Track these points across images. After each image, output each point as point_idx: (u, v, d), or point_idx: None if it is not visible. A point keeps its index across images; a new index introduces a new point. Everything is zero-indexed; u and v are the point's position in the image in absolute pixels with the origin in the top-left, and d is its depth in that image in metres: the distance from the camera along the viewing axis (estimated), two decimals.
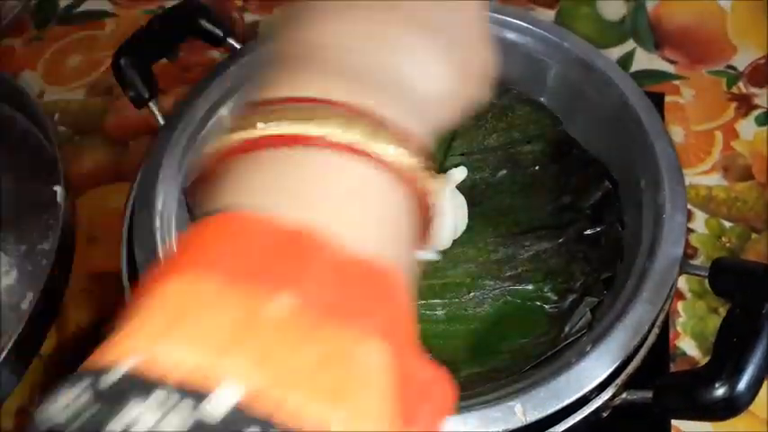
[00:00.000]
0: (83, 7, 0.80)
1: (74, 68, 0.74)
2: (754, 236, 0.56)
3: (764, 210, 0.57)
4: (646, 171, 0.41)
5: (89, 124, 0.69)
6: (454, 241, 0.45)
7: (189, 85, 0.69)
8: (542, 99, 0.49)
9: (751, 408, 0.46)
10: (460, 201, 0.43)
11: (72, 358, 0.52)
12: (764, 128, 0.62)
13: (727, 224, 0.57)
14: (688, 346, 0.51)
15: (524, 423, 0.32)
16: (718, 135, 0.62)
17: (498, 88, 0.50)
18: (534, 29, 0.49)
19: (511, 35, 0.49)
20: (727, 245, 0.56)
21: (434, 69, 0.23)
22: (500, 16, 0.49)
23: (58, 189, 0.45)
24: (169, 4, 0.77)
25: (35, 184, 0.49)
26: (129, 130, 0.68)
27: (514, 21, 0.49)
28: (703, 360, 0.50)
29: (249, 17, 0.77)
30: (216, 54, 0.73)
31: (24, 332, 0.39)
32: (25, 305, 0.44)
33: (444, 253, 0.44)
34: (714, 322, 0.52)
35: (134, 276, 0.40)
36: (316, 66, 0.21)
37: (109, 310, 0.55)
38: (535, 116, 0.48)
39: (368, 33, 0.22)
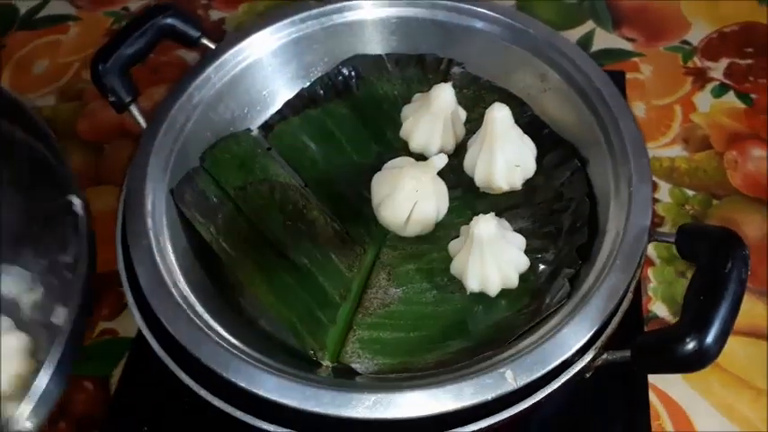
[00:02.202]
0: (44, 12, 0.79)
1: (41, 75, 0.74)
2: (714, 202, 0.59)
3: (723, 177, 0.61)
4: (612, 147, 0.44)
5: (63, 130, 0.69)
6: (437, 224, 0.47)
7: (162, 85, 0.70)
8: (510, 84, 0.51)
9: (723, 364, 0.49)
10: (442, 186, 0.45)
11: None
12: (720, 99, 0.65)
13: (690, 192, 0.60)
14: (659, 309, 0.54)
15: (515, 387, 0.35)
16: (677, 108, 0.65)
17: (467, 77, 0.52)
18: (498, 16, 0.51)
19: (476, 23, 0.51)
20: (691, 212, 0.59)
21: None
22: (464, 5, 0.51)
23: (75, 199, 0.44)
24: (133, 5, 0.79)
25: (43, 196, 0.48)
26: (103, 133, 0.68)
27: (479, 9, 0.51)
28: (674, 321, 0.53)
29: (215, 14, 0.77)
30: (183, 52, 0.73)
31: (66, 347, 0.39)
32: (57, 319, 0.43)
33: (428, 237, 0.46)
34: (682, 285, 0.55)
35: (133, 278, 0.41)
36: None
37: (99, 312, 0.56)
38: (504, 102, 0.49)
39: None
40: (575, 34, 0.71)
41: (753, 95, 0.65)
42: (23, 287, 0.46)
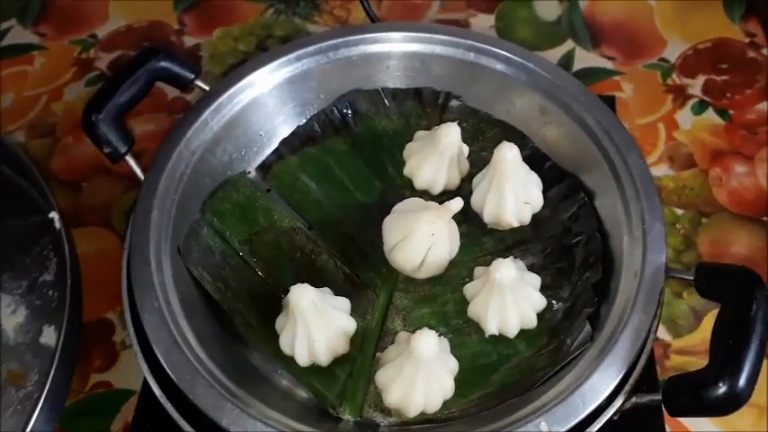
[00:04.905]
0: (5, 42, 0.76)
1: (7, 109, 0.70)
2: (704, 220, 0.61)
3: (709, 195, 0.62)
4: (620, 183, 0.44)
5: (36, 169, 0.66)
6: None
7: (141, 116, 0.68)
8: (509, 117, 0.51)
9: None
10: (454, 227, 0.45)
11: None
12: (700, 116, 0.67)
13: (679, 211, 0.61)
14: (659, 330, 0.55)
15: None
16: (661, 127, 0.66)
17: (465, 110, 0.52)
18: (496, 50, 0.51)
19: (474, 57, 0.51)
20: (682, 231, 0.60)
21: None
22: (461, 39, 0.51)
23: (54, 215, 0.44)
24: (101, 33, 0.76)
25: (14, 219, 0.47)
26: (80, 171, 0.65)
27: (476, 43, 0.51)
28: (675, 342, 0.55)
29: (189, 40, 0.75)
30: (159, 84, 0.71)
31: (58, 366, 0.38)
32: (44, 339, 0.44)
33: (440, 277, 0.46)
34: (679, 306, 0.56)
35: (143, 338, 0.39)
36: None
37: (91, 363, 0.53)
38: (505, 135, 0.50)
39: None
40: (555, 54, 0.72)
41: (730, 111, 0.67)
42: (5, 311, 0.45)
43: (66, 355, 0.39)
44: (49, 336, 0.44)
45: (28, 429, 0.37)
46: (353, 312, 0.44)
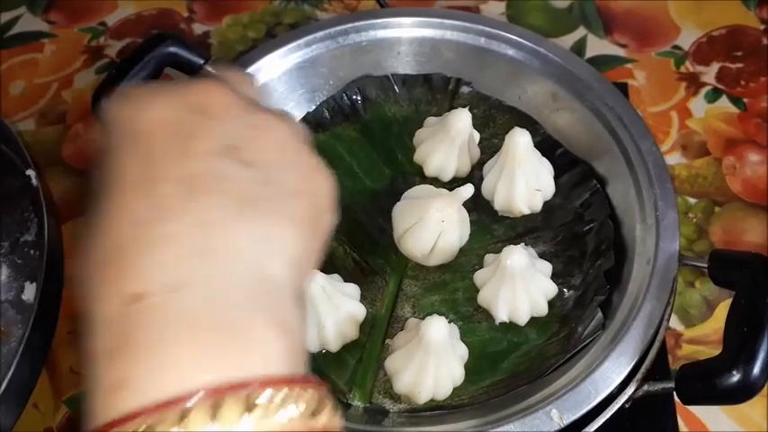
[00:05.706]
0: (15, 29, 0.76)
1: (18, 97, 0.70)
2: (716, 209, 0.60)
3: (723, 183, 0.61)
4: (633, 170, 0.44)
5: (46, 156, 0.66)
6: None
7: None
8: (520, 103, 0.51)
9: None
10: (464, 214, 0.45)
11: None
12: (714, 104, 0.66)
13: (692, 200, 0.60)
14: (671, 319, 0.54)
15: (562, 426, 0.35)
16: (674, 115, 0.66)
17: (476, 97, 0.52)
18: (508, 35, 0.50)
19: (485, 43, 0.51)
20: (694, 220, 0.59)
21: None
22: (473, 24, 0.51)
23: (31, 173, 0.44)
24: (110, 21, 0.76)
25: None
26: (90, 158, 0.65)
27: (488, 29, 0.50)
28: (686, 331, 0.54)
29: (198, 28, 0.75)
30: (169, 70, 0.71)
31: (36, 322, 0.39)
32: (26, 296, 0.44)
33: (449, 265, 0.46)
34: (691, 295, 0.56)
35: None
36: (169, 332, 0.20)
37: None
38: (516, 122, 0.49)
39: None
40: (567, 41, 0.71)
41: (745, 99, 0.66)
42: None
43: (45, 307, 0.40)
44: (30, 292, 0.45)
45: (6, 380, 0.37)
46: (363, 299, 0.44)
